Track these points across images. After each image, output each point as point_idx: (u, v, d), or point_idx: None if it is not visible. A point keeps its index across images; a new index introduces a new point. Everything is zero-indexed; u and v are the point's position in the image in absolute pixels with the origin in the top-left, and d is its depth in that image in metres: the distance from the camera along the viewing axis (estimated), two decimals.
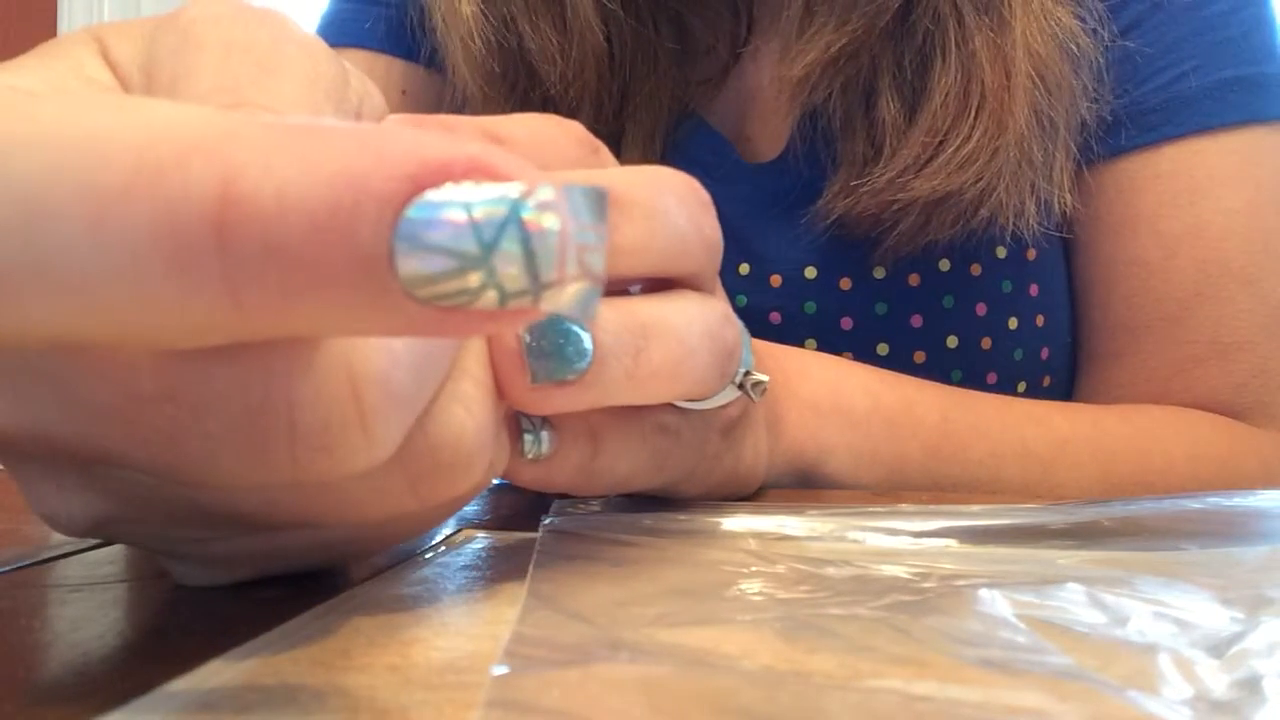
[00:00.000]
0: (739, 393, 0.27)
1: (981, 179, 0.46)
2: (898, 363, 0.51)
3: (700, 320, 0.23)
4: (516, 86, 0.51)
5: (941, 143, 0.47)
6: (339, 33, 0.59)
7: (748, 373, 0.27)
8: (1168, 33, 0.52)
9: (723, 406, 0.27)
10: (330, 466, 0.15)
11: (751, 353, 0.28)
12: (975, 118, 0.47)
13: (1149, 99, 0.52)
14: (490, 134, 0.22)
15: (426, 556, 0.23)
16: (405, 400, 0.16)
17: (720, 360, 0.24)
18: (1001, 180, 0.47)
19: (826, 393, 0.39)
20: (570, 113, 0.50)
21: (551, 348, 0.20)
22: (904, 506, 0.26)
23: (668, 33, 0.52)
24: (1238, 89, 0.51)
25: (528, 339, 0.20)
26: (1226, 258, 0.50)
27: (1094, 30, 0.50)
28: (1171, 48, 0.52)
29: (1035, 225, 0.48)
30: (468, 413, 0.18)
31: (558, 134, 0.23)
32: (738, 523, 0.25)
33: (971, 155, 0.46)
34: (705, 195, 0.24)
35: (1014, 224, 0.48)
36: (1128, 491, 0.43)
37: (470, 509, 0.31)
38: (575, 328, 0.20)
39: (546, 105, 0.51)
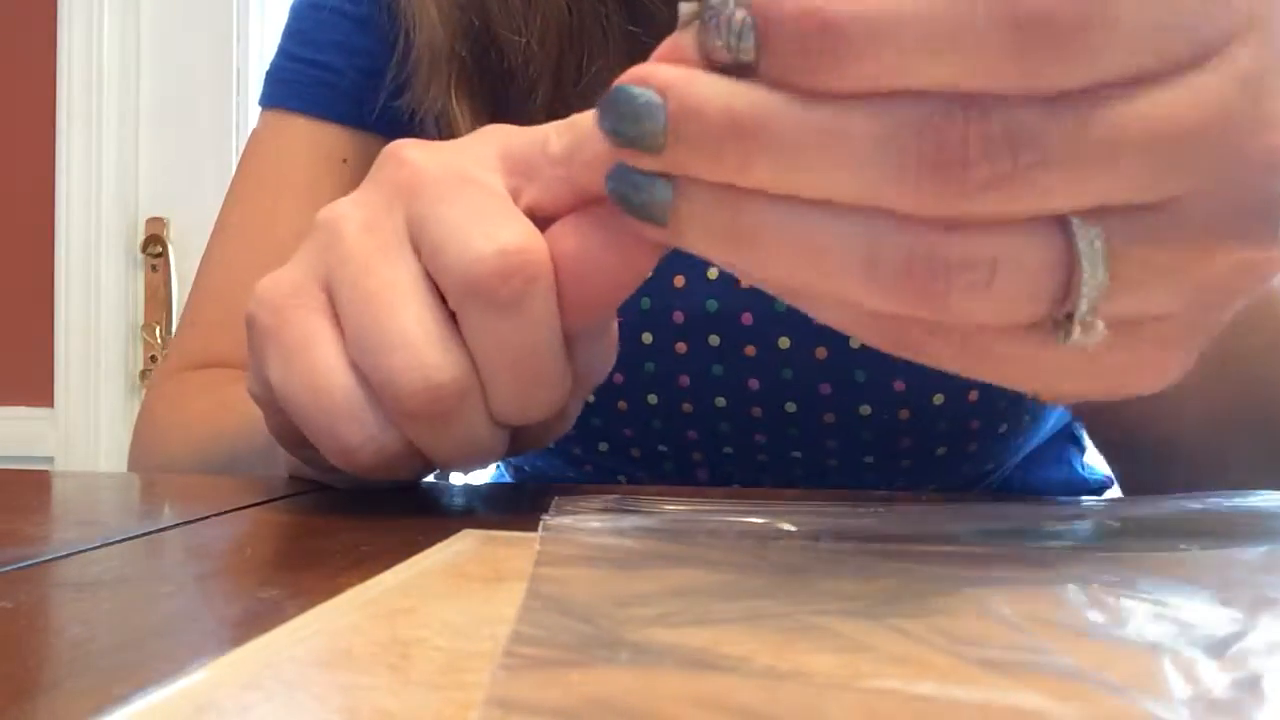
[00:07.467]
0: None
1: None
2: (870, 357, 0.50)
3: None
4: (488, 49, 0.51)
5: None
6: (283, 95, 0.58)
7: None
8: None
9: None
10: None
11: None
12: None
13: None
14: None
15: (426, 556, 0.23)
16: None
17: None
18: None
19: None
20: (530, 85, 0.50)
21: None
22: (901, 506, 0.26)
23: (618, 9, 0.51)
24: None
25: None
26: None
27: None
28: None
29: None
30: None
31: None
32: (738, 523, 0.25)
33: None
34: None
35: None
36: None
37: (470, 509, 0.31)
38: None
39: (506, 77, 0.50)
